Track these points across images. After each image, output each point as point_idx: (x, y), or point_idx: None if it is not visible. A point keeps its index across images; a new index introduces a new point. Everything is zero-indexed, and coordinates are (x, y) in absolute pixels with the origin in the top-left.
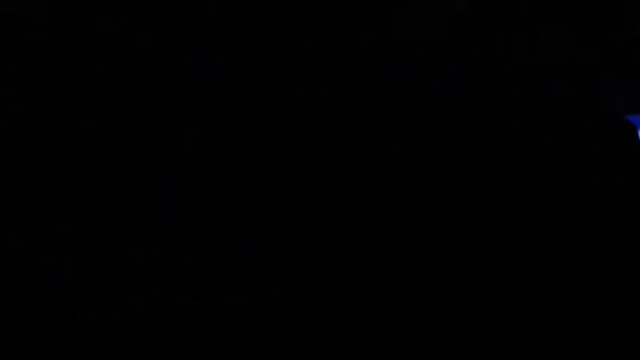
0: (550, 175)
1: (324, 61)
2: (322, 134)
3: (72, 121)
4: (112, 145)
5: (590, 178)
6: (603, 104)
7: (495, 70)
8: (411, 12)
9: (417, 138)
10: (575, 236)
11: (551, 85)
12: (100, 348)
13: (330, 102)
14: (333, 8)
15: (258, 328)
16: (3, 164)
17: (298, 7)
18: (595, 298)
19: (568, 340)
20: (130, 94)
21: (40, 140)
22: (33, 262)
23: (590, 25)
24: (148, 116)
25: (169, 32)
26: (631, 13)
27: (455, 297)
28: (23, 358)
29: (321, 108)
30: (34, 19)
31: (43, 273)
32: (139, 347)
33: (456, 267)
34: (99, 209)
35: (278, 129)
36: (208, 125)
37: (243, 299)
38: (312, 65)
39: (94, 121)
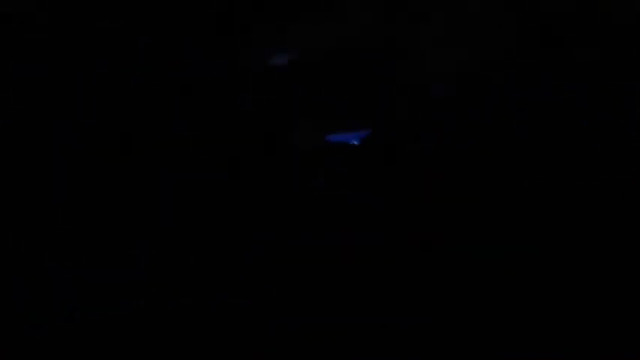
0: (550, 175)
1: (324, 61)
2: (322, 134)
3: (72, 121)
4: (112, 145)
5: (589, 177)
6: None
7: (495, 69)
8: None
9: (416, 137)
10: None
11: (551, 85)
12: (100, 348)
13: (330, 102)
14: (333, 8)
15: (258, 328)
16: (3, 164)
17: (298, 7)
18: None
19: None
20: (130, 94)
21: (40, 140)
22: (33, 262)
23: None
24: (148, 116)
25: (169, 32)
26: None
27: (455, 297)
28: (23, 358)
29: (322, 108)
30: (34, 19)
31: (43, 273)
32: (139, 347)
33: (455, 267)
34: (99, 209)
35: (278, 129)
36: (208, 125)
37: (243, 299)
38: (312, 65)
39: (94, 121)
